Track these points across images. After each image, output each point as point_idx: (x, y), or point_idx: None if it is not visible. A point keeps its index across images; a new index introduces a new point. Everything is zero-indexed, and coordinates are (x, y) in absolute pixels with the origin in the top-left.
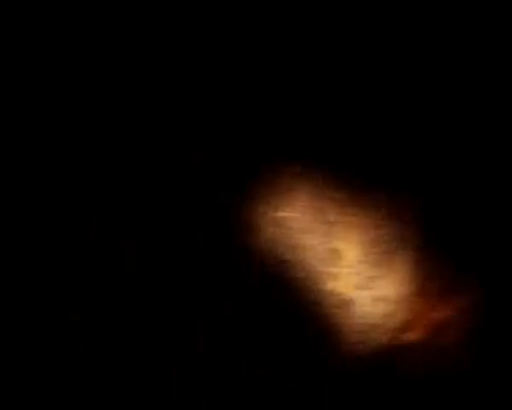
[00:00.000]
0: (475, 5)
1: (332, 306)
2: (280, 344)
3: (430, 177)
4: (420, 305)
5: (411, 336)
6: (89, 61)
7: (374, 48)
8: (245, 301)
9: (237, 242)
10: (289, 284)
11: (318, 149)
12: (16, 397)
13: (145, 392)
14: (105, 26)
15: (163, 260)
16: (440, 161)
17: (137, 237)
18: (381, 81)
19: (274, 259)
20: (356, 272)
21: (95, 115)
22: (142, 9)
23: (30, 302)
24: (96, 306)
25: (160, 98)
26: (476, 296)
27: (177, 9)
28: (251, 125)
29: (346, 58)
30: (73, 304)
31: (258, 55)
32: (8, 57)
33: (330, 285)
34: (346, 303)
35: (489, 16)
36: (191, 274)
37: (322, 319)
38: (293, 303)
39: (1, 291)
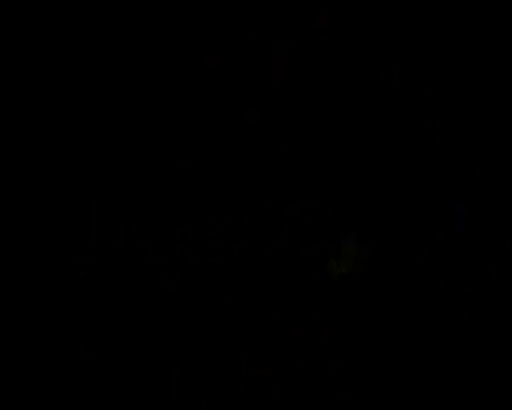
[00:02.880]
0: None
1: None
2: (280, 344)
3: None
4: None
5: None
6: (88, 62)
7: None
8: (245, 301)
9: (237, 241)
10: (289, 282)
11: None
12: (16, 397)
13: (145, 392)
14: (105, 25)
15: (163, 260)
16: None
17: (137, 237)
18: None
19: (274, 257)
20: None
21: (95, 115)
22: (140, 10)
23: (30, 302)
24: (96, 306)
25: (160, 98)
26: None
27: (176, 11)
28: (250, 122)
29: None
30: (73, 304)
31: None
32: (8, 57)
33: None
34: None
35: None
36: (191, 274)
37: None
38: (291, 301)
39: (1, 291)
